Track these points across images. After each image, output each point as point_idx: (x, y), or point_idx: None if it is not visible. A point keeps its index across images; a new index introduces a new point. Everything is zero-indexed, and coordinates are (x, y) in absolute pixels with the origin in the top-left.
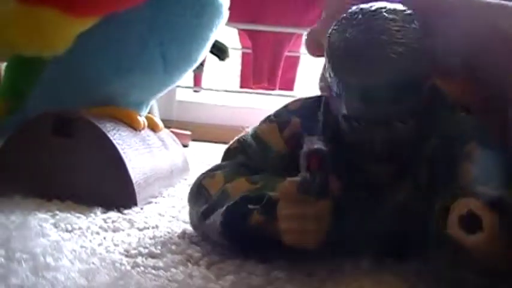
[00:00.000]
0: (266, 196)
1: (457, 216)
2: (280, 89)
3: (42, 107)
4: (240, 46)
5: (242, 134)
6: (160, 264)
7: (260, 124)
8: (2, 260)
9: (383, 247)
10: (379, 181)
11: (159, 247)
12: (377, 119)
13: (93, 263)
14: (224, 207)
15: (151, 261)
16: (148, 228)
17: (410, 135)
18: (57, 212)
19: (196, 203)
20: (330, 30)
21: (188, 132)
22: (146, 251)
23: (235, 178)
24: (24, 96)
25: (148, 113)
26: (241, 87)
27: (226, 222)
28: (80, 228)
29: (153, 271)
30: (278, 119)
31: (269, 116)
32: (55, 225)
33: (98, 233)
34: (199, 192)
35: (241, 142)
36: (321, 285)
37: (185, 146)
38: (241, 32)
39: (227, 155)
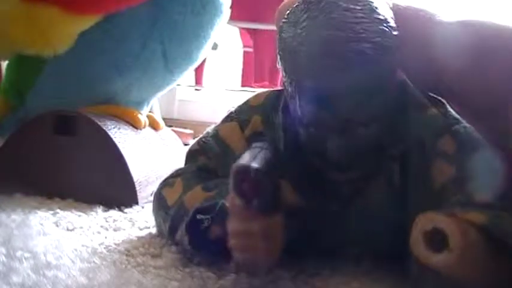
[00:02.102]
0: (219, 204)
1: (421, 233)
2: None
3: (43, 106)
4: (241, 45)
5: (203, 134)
6: (161, 263)
7: (222, 123)
8: (3, 258)
9: (362, 251)
10: (343, 190)
11: (160, 246)
12: (336, 125)
13: (94, 261)
14: (184, 226)
15: (152, 261)
16: (149, 227)
17: (374, 139)
18: (58, 211)
19: (158, 213)
20: (282, 20)
21: (189, 131)
22: (147, 250)
23: (194, 186)
24: (25, 95)
25: (150, 111)
26: (243, 85)
27: (192, 240)
28: (81, 227)
29: (154, 270)
30: (239, 117)
31: (230, 113)
32: (56, 224)
33: (99, 232)
34: (159, 202)
35: (201, 144)
36: (323, 284)
37: (186, 144)
38: (242, 30)
39: (189, 158)
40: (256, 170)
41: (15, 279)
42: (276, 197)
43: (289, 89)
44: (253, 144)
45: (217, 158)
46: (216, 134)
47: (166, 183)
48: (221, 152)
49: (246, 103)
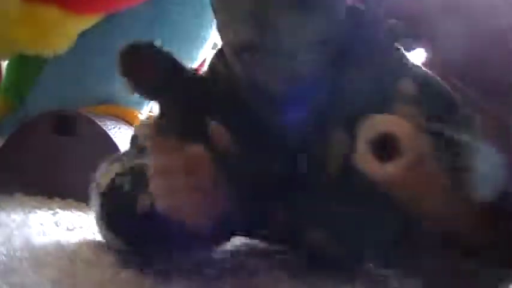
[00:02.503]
0: (140, 163)
1: (366, 142)
2: None
3: (43, 106)
4: None
5: (149, 116)
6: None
7: None
8: (3, 258)
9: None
10: (289, 142)
11: None
12: (274, 46)
13: (93, 261)
14: (97, 196)
15: None
16: None
17: (321, 70)
18: (58, 210)
19: (94, 206)
20: None
21: None
22: None
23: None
24: (26, 95)
25: (150, 111)
26: None
27: (110, 213)
28: (81, 227)
29: (153, 270)
30: None
31: None
32: (56, 224)
33: (99, 232)
34: (96, 191)
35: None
36: (322, 283)
37: None
38: None
39: (133, 141)
40: (151, 46)
41: (15, 279)
42: (194, 120)
43: (218, 8)
44: None
45: None
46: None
47: (103, 170)
48: None
49: None
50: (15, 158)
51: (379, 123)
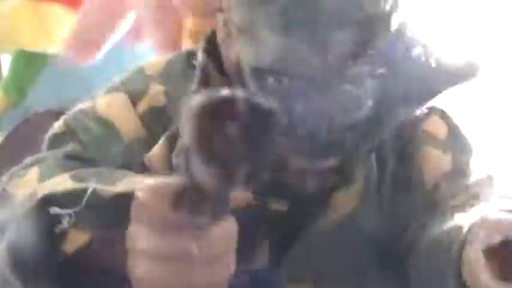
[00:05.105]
0: (89, 190)
1: (483, 250)
2: None
3: (43, 103)
4: None
5: (72, 110)
6: None
7: (103, 95)
8: None
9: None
10: (307, 188)
11: None
12: (318, 72)
13: None
14: (14, 227)
15: None
16: None
17: (367, 107)
18: None
19: None
20: None
21: None
22: None
23: (57, 175)
24: (27, 91)
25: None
26: None
27: (15, 251)
28: None
29: None
30: (128, 87)
31: (114, 84)
32: None
33: None
34: (1, 203)
35: (70, 125)
36: None
37: None
38: None
39: (51, 145)
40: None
41: None
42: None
43: (241, 23)
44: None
45: (96, 143)
46: (92, 111)
47: (15, 174)
48: (101, 134)
49: (138, 71)
50: (14, 154)
51: (501, 225)
